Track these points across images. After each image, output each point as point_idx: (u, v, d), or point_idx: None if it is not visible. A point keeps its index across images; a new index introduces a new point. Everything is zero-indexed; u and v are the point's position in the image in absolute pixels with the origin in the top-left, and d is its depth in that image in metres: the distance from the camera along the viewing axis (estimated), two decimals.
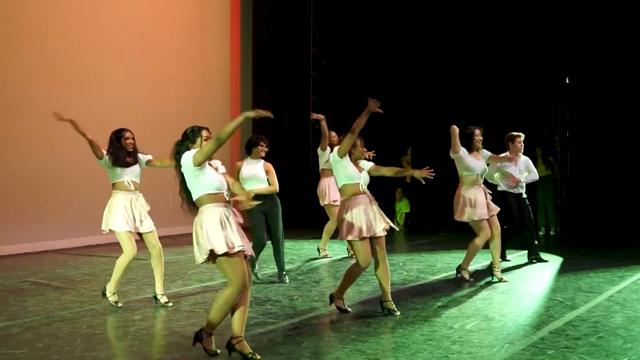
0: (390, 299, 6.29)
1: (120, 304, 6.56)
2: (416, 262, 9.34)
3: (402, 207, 13.45)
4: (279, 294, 7.20)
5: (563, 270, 8.67)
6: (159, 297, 6.68)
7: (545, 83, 11.98)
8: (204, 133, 4.97)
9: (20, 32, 10.44)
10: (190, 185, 4.85)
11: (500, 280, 7.76)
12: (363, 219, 6.08)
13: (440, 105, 12.59)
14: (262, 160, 7.86)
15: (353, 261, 6.73)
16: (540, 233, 12.31)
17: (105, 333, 5.78)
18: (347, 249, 9.62)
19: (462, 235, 10.22)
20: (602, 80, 11.49)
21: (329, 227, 9.49)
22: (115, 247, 10.82)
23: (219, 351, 4.97)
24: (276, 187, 7.80)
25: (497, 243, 7.83)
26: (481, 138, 7.86)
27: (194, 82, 13.21)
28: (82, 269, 8.62)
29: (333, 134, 9.22)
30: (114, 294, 6.59)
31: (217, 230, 4.73)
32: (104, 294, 6.63)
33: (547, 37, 11.88)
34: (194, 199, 4.87)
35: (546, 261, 9.11)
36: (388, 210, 13.55)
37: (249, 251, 4.93)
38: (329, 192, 9.28)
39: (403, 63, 13.33)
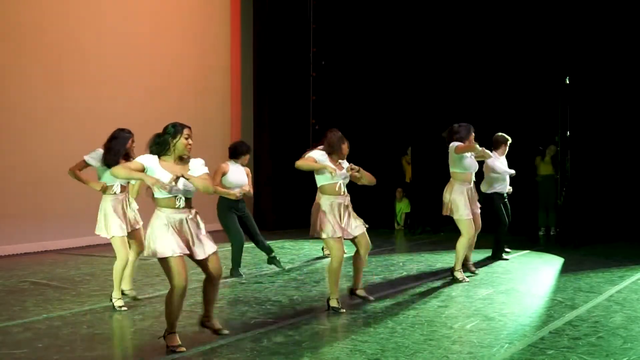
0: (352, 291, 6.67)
1: (125, 308, 6.47)
2: (416, 262, 9.34)
3: (402, 207, 13.44)
4: (279, 294, 7.19)
5: (563, 270, 8.67)
6: (127, 292, 6.75)
7: (545, 83, 11.98)
8: (186, 131, 5.07)
9: (19, 32, 10.43)
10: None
11: (462, 280, 7.73)
12: (334, 220, 6.19)
13: (440, 105, 12.60)
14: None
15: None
16: (540, 233, 12.32)
17: (105, 333, 5.77)
18: (322, 249, 9.88)
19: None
20: (602, 80, 11.49)
21: None
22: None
23: (183, 349, 5.03)
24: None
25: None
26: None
27: (194, 82, 13.20)
28: (82, 269, 8.60)
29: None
30: (119, 298, 6.52)
31: (162, 233, 4.90)
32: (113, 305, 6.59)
33: (547, 38, 11.88)
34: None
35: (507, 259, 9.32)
36: (388, 210, 13.69)
37: (200, 255, 5.02)
38: None
39: (403, 63, 13.34)
